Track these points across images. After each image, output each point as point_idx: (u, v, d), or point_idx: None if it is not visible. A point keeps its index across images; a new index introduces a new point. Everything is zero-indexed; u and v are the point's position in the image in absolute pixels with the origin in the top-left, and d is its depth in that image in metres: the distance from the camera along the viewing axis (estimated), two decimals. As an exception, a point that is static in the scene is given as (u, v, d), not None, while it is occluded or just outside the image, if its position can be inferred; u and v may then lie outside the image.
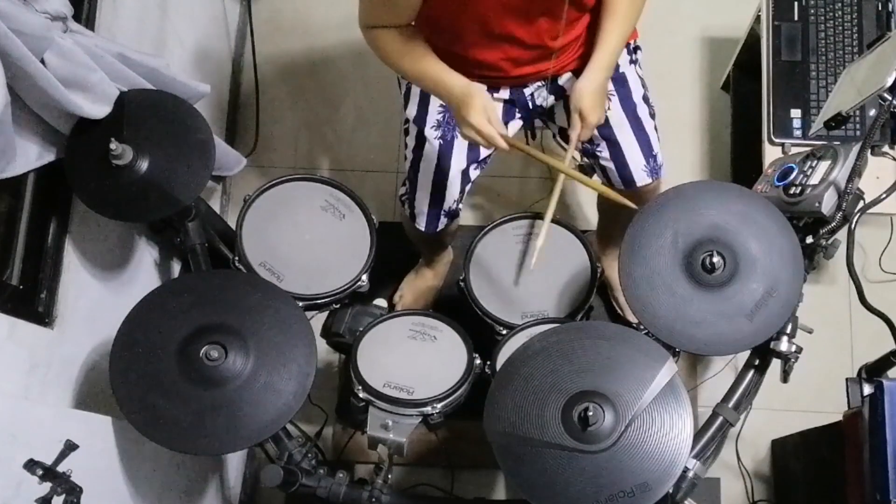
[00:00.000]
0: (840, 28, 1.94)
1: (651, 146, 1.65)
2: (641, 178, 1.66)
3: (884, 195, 1.35)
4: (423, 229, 1.75)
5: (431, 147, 1.65)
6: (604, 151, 1.66)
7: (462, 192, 1.72)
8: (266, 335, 1.42)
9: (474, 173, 1.71)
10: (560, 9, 1.40)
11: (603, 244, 2.06)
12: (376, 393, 1.60)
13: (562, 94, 1.64)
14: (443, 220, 1.74)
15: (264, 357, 1.40)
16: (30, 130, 1.39)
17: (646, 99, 1.67)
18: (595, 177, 1.78)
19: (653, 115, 1.68)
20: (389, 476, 1.61)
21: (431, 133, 1.65)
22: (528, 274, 1.79)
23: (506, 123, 1.69)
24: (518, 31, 1.44)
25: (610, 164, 1.66)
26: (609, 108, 1.61)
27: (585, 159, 1.74)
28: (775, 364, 1.43)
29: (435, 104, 1.64)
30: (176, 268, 2.00)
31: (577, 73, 1.61)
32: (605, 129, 1.63)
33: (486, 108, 1.37)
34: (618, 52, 1.51)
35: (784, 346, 1.39)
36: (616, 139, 1.64)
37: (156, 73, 1.58)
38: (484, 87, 1.43)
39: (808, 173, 1.39)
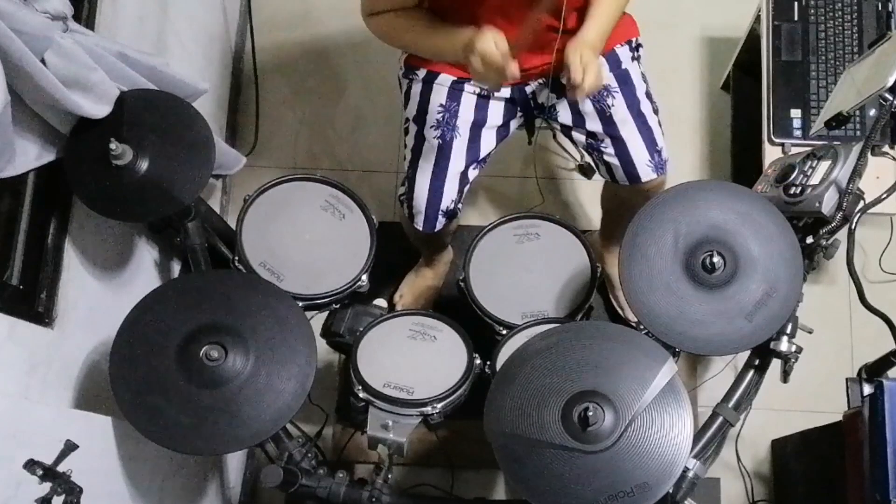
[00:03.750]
0: (840, 28, 1.94)
1: (655, 141, 1.66)
2: (646, 173, 1.66)
3: (884, 195, 1.36)
4: (421, 229, 1.75)
5: (430, 147, 1.66)
6: (608, 148, 1.66)
7: (461, 192, 1.72)
8: (266, 335, 1.42)
9: (473, 173, 1.71)
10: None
11: (605, 242, 2.06)
12: (376, 393, 1.59)
13: (563, 93, 1.64)
14: (441, 220, 1.74)
15: (264, 357, 1.40)
16: (30, 130, 1.39)
17: (648, 95, 1.67)
18: (596, 176, 1.79)
19: (656, 111, 1.68)
20: (389, 476, 1.61)
21: (431, 133, 1.65)
22: (527, 273, 1.79)
23: (507, 122, 1.70)
24: (519, 25, 1.44)
25: (615, 161, 1.66)
26: (612, 105, 1.62)
27: (587, 158, 1.74)
28: (775, 364, 1.43)
29: (434, 104, 1.64)
30: (176, 268, 2.00)
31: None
32: (610, 126, 1.63)
33: (494, 37, 1.33)
34: (605, 23, 1.48)
35: (784, 346, 1.39)
36: (620, 135, 1.64)
37: (155, 72, 1.58)
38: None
39: (809, 173, 1.39)
